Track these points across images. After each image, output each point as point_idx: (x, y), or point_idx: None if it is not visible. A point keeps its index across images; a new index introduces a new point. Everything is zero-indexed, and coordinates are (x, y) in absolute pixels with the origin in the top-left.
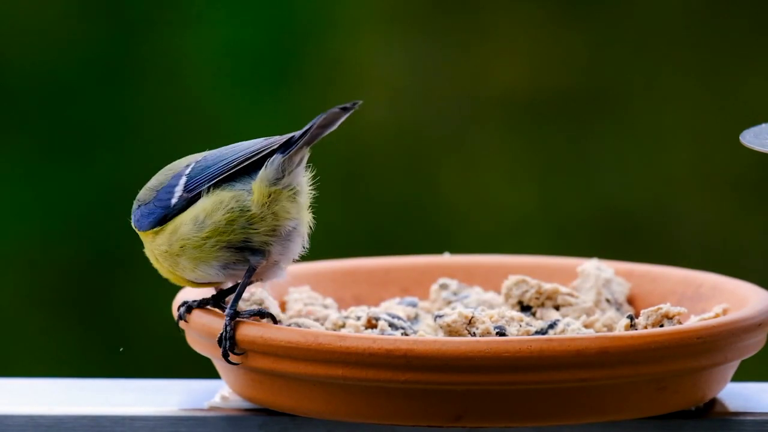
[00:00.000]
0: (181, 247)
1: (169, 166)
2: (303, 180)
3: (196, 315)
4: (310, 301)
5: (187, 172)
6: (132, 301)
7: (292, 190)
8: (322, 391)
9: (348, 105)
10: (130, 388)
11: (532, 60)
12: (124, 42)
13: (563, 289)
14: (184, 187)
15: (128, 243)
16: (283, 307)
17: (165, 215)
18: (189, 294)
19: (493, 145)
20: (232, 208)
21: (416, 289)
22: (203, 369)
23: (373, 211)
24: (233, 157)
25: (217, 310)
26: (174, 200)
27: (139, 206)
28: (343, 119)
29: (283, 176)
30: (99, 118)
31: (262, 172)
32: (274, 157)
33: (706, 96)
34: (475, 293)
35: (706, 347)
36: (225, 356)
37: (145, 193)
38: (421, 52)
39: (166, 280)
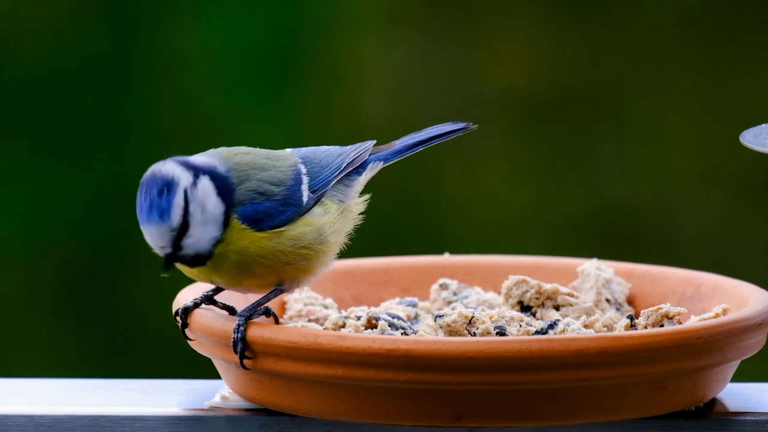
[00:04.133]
0: (302, 256)
1: (253, 160)
2: None
3: (196, 316)
4: (310, 301)
5: (305, 171)
6: (132, 301)
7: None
8: (322, 391)
9: (462, 125)
10: (130, 388)
11: (532, 60)
12: (124, 41)
13: (563, 289)
14: (309, 187)
15: (128, 243)
16: (283, 306)
17: (300, 212)
18: (184, 297)
19: (494, 145)
20: (344, 229)
21: (416, 289)
22: (203, 369)
23: (373, 211)
24: (337, 162)
25: (213, 307)
26: (305, 199)
27: (262, 201)
28: (449, 137)
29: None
30: (99, 117)
31: (363, 178)
32: (374, 163)
33: (705, 96)
34: (475, 293)
35: (706, 347)
36: (241, 360)
37: (264, 186)
38: (421, 52)
39: (165, 280)
